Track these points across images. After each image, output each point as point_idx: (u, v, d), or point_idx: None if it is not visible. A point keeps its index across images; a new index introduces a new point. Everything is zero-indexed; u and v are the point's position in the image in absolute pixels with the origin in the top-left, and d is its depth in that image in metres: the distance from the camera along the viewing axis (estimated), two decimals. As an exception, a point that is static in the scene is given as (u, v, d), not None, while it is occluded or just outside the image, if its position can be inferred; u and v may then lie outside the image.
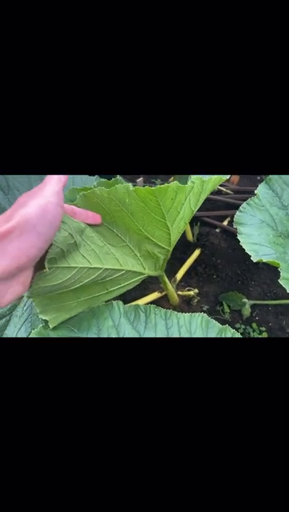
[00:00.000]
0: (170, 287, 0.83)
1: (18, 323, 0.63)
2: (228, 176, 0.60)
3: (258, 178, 1.35)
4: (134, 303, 0.62)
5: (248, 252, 0.61)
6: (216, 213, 1.15)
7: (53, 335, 0.47)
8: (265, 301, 0.95)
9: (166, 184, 0.45)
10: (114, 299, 0.54)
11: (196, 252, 1.04)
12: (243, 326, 0.90)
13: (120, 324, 0.48)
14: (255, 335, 0.88)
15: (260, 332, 0.89)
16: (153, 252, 0.57)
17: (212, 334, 0.45)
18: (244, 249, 0.61)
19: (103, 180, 0.56)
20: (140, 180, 1.06)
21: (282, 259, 0.61)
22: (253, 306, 0.93)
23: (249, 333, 0.89)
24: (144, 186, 0.47)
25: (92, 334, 0.48)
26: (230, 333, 0.44)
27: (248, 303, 0.92)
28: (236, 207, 0.68)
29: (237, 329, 0.90)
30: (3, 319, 0.64)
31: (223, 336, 0.45)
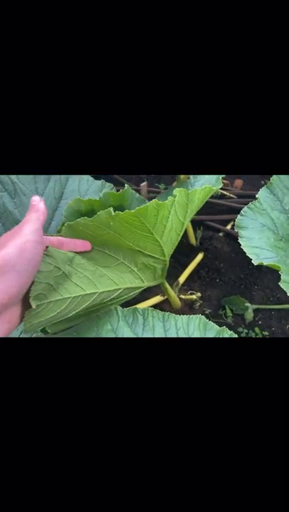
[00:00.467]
0: (172, 293, 0.83)
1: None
2: (219, 186, 0.61)
3: (262, 182, 1.35)
4: (135, 306, 0.62)
5: (249, 256, 0.61)
6: (219, 217, 1.15)
7: (52, 337, 0.48)
8: (268, 305, 0.95)
9: (144, 205, 0.46)
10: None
11: (199, 256, 1.04)
12: (245, 330, 0.89)
13: (119, 327, 0.48)
14: (258, 339, 0.88)
15: (263, 336, 0.89)
16: (149, 263, 0.57)
17: (210, 336, 0.45)
18: (247, 254, 0.61)
19: (110, 191, 0.57)
20: (144, 184, 1.07)
21: (283, 262, 0.61)
22: (255, 311, 0.93)
23: (252, 338, 0.88)
24: (148, 192, 0.48)
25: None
26: (227, 334, 0.44)
27: (250, 307, 0.91)
28: (239, 211, 0.69)
29: (239, 333, 0.89)
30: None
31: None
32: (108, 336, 0.48)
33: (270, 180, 0.70)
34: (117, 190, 0.60)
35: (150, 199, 0.75)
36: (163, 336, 0.47)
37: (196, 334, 0.45)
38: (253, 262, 0.59)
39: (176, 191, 0.49)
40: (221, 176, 0.62)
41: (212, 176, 0.68)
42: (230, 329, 0.46)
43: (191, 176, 0.75)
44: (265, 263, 0.58)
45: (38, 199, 0.43)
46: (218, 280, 1.01)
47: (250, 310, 0.91)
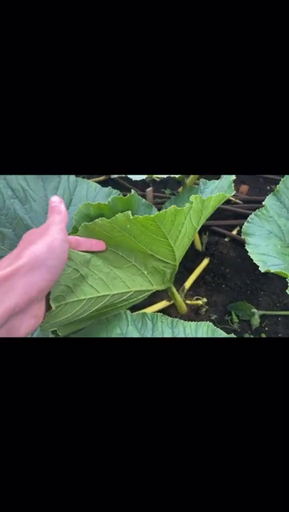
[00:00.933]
0: (178, 298, 0.83)
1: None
2: (232, 193, 0.61)
3: (268, 188, 1.35)
4: (142, 311, 0.62)
5: (256, 262, 0.62)
6: (225, 223, 1.15)
7: (62, 342, 0.48)
8: (275, 311, 0.95)
9: (163, 210, 0.47)
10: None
11: (205, 261, 1.04)
12: (251, 337, 0.90)
13: (128, 332, 0.49)
14: (264, 345, 0.87)
15: (269, 342, 0.88)
16: (159, 267, 0.58)
17: (218, 343, 0.46)
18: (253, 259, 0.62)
19: (118, 196, 0.59)
20: (150, 190, 1.08)
21: (290, 269, 0.61)
22: (262, 317, 0.93)
23: (258, 344, 0.88)
24: (153, 197, 0.49)
25: (100, 341, 0.49)
26: (235, 342, 0.45)
27: (257, 313, 0.91)
28: (245, 216, 0.69)
29: (246, 339, 0.89)
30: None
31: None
32: (117, 341, 0.48)
33: (276, 186, 0.70)
34: (124, 195, 0.61)
35: (156, 204, 0.76)
36: (171, 342, 0.47)
37: (205, 340, 0.46)
38: (260, 269, 0.60)
39: (193, 198, 0.50)
40: (232, 182, 0.63)
41: (222, 181, 0.68)
42: (236, 335, 0.47)
43: (201, 182, 0.76)
44: (272, 270, 0.58)
45: (58, 200, 0.45)
46: (224, 285, 1.01)
47: (256, 316, 0.91)
